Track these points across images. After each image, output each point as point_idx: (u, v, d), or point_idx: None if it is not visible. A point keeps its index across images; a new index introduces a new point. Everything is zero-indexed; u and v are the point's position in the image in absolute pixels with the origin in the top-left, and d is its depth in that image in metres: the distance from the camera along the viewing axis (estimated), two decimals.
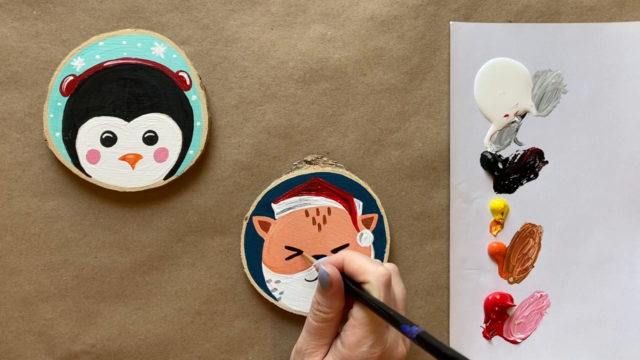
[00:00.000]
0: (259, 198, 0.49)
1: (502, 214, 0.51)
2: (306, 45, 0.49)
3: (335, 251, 0.49)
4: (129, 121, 0.48)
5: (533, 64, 0.50)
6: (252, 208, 0.49)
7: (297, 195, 0.49)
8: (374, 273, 0.40)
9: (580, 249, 0.51)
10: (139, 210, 0.50)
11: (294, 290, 0.49)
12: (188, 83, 0.48)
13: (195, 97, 0.48)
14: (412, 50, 0.50)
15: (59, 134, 0.48)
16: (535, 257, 0.51)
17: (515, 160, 0.51)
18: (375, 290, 0.39)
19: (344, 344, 0.40)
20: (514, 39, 0.50)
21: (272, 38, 0.49)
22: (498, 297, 0.51)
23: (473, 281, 0.51)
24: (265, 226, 0.49)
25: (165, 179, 0.48)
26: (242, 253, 0.49)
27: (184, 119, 0.48)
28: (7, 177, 0.49)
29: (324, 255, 0.49)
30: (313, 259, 0.48)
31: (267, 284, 0.49)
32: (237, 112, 0.50)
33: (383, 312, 0.38)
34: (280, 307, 0.49)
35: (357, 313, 0.40)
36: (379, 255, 0.49)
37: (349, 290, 0.41)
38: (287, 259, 0.49)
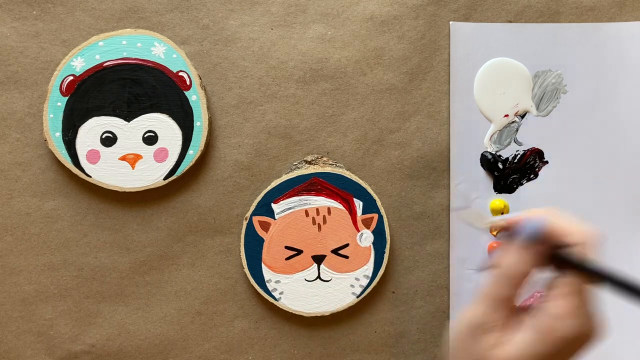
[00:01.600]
0: (259, 198, 0.49)
1: (502, 213, 0.51)
2: (306, 45, 0.49)
3: (335, 251, 0.49)
4: (129, 121, 0.48)
5: (533, 64, 0.50)
6: (252, 208, 0.49)
7: (297, 195, 0.49)
8: (581, 233, 0.34)
9: None
10: (139, 210, 0.50)
11: (294, 290, 0.49)
12: (188, 83, 0.48)
13: (195, 97, 0.48)
14: (412, 50, 0.50)
15: (59, 134, 0.48)
16: None
17: (515, 160, 0.51)
18: (587, 254, 0.34)
19: (549, 315, 0.34)
20: (514, 39, 0.50)
21: (272, 38, 0.49)
22: None
23: (473, 281, 0.51)
24: (265, 226, 0.49)
25: (165, 179, 0.48)
26: (242, 253, 0.49)
27: (184, 119, 0.48)
28: (7, 177, 0.49)
29: (325, 256, 0.49)
30: (484, 216, 0.41)
31: (267, 284, 0.49)
32: (237, 112, 0.50)
33: (617, 281, 0.32)
34: (280, 307, 0.49)
35: (568, 279, 0.34)
36: (379, 256, 0.49)
37: (551, 255, 0.36)
38: (287, 259, 0.49)
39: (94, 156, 0.48)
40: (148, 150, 0.48)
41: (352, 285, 0.49)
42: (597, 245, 0.35)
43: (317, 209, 0.49)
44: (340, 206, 0.49)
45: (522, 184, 0.51)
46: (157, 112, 0.48)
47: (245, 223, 0.49)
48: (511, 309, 0.36)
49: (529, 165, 0.51)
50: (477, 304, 0.36)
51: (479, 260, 0.51)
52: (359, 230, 0.49)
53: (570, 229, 0.35)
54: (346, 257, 0.49)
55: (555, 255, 0.35)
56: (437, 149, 0.50)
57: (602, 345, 0.52)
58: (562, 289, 0.34)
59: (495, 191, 0.51)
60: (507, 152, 0.51)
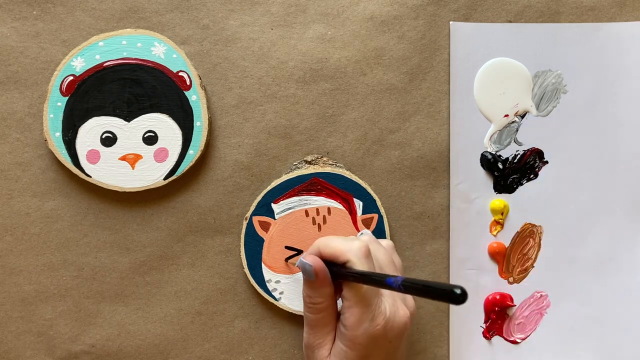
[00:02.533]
0: (259, 198, 0.49)
1: (502, 214, 0.51)
2: (306, 45, 0.49)
3: None
4: (129, 121, 0.48)
5: (533, 64, 0.50)
6: (252, 208, 0.49)
7: (297, 195, 0.49)
8: (351, 250, 0.40)
9: (580, 249, 0.51)
10: (139, 210, 0.50)
11: (294, 290, 0.49)
12: (188, 83, 0.48)
13: (195, 97, 0.48)
14: (412, 50, 0.50)
15: (59, 134, 0.48)
16: (535, 257, 0.51)
17: (515, 160, 0.51)
18: (358, 266, 0.39)
19: (346, 326, 0.39)
20: (514, 39, 0.50)
21: (272, 38, 0.49)
22: (498, 297, 0.51)
23: (473, 281, 0.51)
24: (265, 226, 0.49)
25: (165, 179, 0.48)
26: (242, 253, 0.49)
27: (184, 119, 0.48)
28: (7, 177, 0.49)
29: None
30: (294, 262, 0.48)
31: (267, 284, 0.49)
32: (237, 112, 0.50)
33: (368, 278, 0.37)
34: (280, 307, 0.49)
35: (348, 292, 0.40)
36: None
37: (334, 275, 0.41)
38: (287, 259, 0.49)
39: (94, 156, 0.48)
40: (148, 150, 0.48)
41: None
42: (367, 254, 0.40)
43: (317, 209, 0.49)
44: (340, 206, 0.49)
45: (522, 184, 0.51)
46: (157, 112, 0.48)
47: (245, 223, 0.49)
48: (332, 325, 0.42)
49: (529, 165, 0.51)
50: (304, 327, 0.43)
51: (479, 260, 0.51)
52: (359, 230, 0.49)
53: (339, 249, 0.40)
54: None
55: (335, 273, 0.41)
56: (437, 149, 0.50)
57: (604, 345, 0.52)
58: (347, 302, 0.40)
59: (495, 191, 0.51)
60: (507, 152, 0.51)
